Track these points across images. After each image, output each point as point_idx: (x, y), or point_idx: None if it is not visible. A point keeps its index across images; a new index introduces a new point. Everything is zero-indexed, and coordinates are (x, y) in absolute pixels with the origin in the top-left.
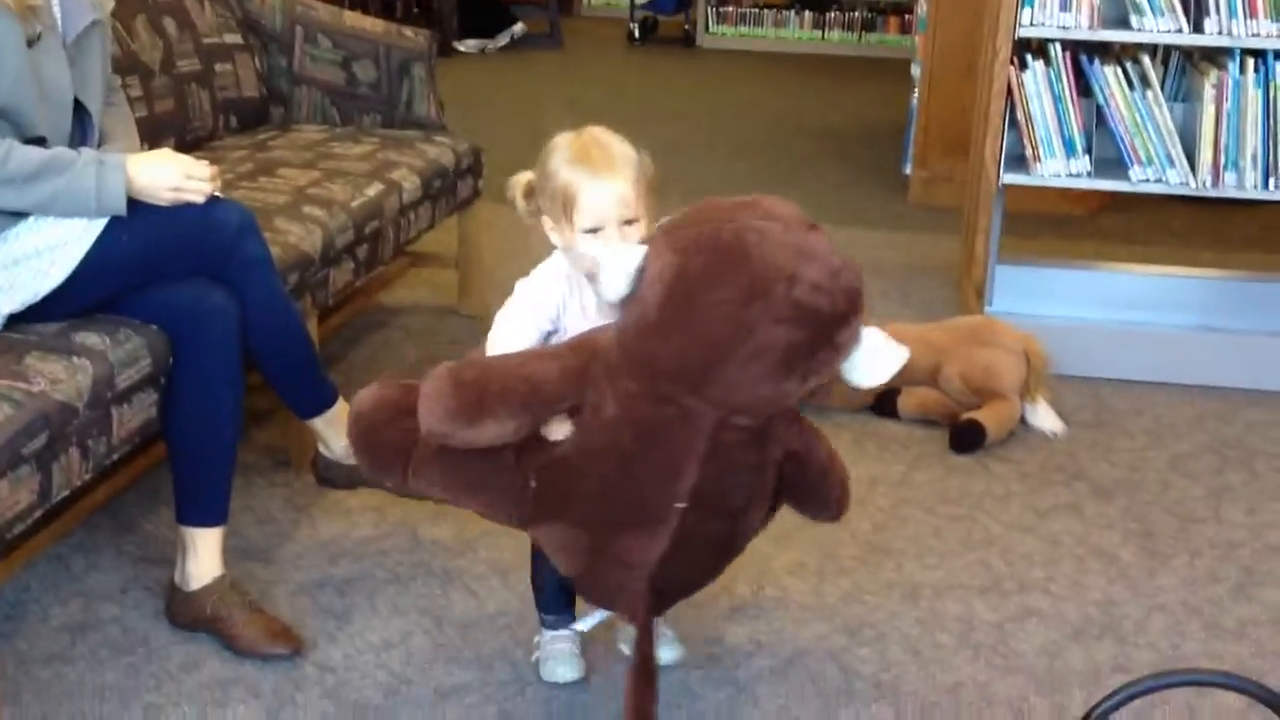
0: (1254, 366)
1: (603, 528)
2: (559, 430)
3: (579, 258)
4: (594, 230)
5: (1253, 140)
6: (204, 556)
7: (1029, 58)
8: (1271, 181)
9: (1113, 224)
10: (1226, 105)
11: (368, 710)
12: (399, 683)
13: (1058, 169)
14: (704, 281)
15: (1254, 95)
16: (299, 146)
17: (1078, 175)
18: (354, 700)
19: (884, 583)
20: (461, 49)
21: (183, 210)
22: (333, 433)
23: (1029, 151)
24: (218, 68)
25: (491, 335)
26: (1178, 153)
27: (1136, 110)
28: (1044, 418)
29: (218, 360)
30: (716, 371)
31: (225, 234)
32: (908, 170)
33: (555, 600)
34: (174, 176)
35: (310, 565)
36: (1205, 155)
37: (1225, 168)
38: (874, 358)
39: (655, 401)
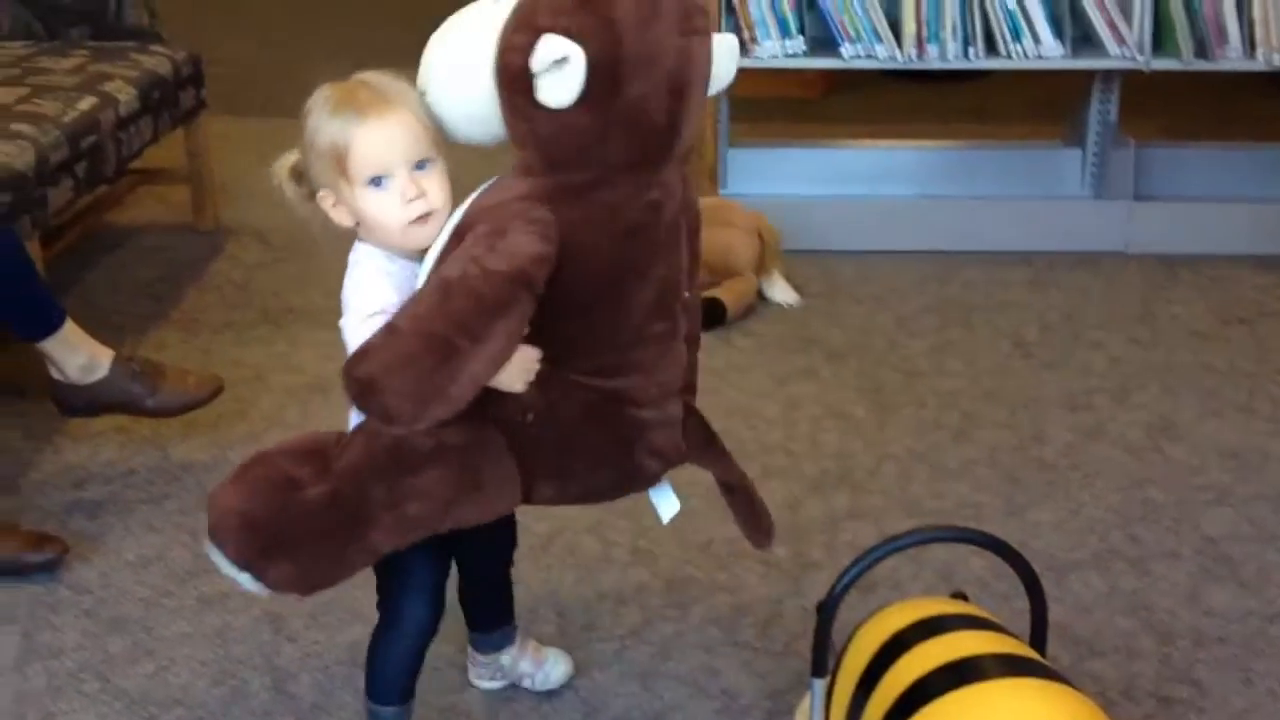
0: (968, 229)
1: (635, 381)
2: (519, 358)
3: (374, 224)
4: (378, 180)
5: (951, 11)
6: None
7: None
8: (970, 51)
9: (840, 106)
10: None
11: (128, 624)
12: (159, 596)
13: (774, 50)
14: (639, 22)
15: None
16: (3, 64)
17: (794, 55)
18: (113, 616)
19: None
20: None
21: None
22: (64, 354)
23: (746, 34)
24: None
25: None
26: (884, 28)
27: None
28: (779, 291)
29: None
30: (678, 121)
31: None
32: None
33: (402, 686)
34: None
35: (56, 491)
36: (909, 29)
37: (928, 40)
38: (719, 54)
39: (639, 195)
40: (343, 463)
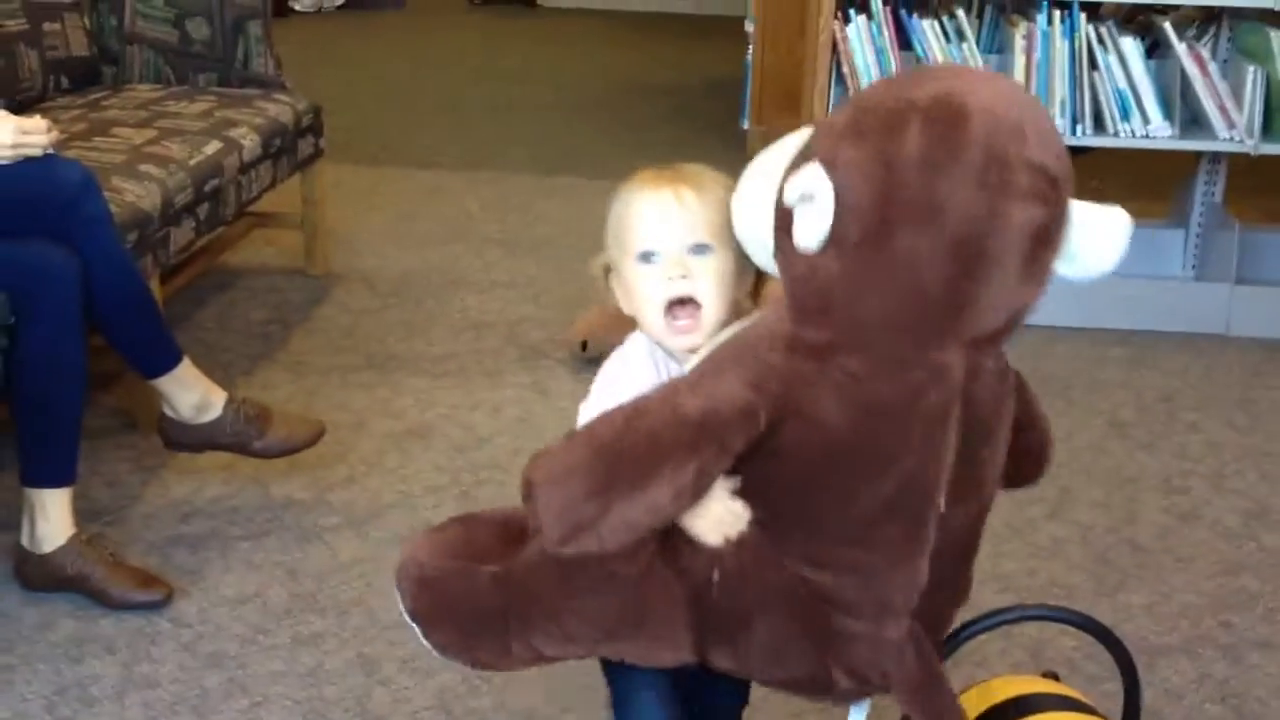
0: (1066, 305)
1: (848, 583)
2: (721, 509)
3: (638, 303)
4: (648, 255)
5: (1061, 89)
6: (55, 517)
7: (852, 12)
8: (1078, 128)
9: None
10: (1036, 56)
11: (224, 660)
12: (255, 633)
13: None
14: (925, 165)
15: (1061, 46)
16: (133, 106)
17: None
18: (210, 651)
19: None
20: (297, 8)
21: (22, 169)
22: (179, 393)
23: None
24: (46, 27)
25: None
26: None
27: (953, 62)
28: None
29: (61, 319)
30: (965, 293)
31: (66, 192)
32: (745, 125)
33: None
34: (8, 134)
35: (161, 525)
36: None
37: None
38: (1096, 233)
39: (893, 371)
40: (525, 553)
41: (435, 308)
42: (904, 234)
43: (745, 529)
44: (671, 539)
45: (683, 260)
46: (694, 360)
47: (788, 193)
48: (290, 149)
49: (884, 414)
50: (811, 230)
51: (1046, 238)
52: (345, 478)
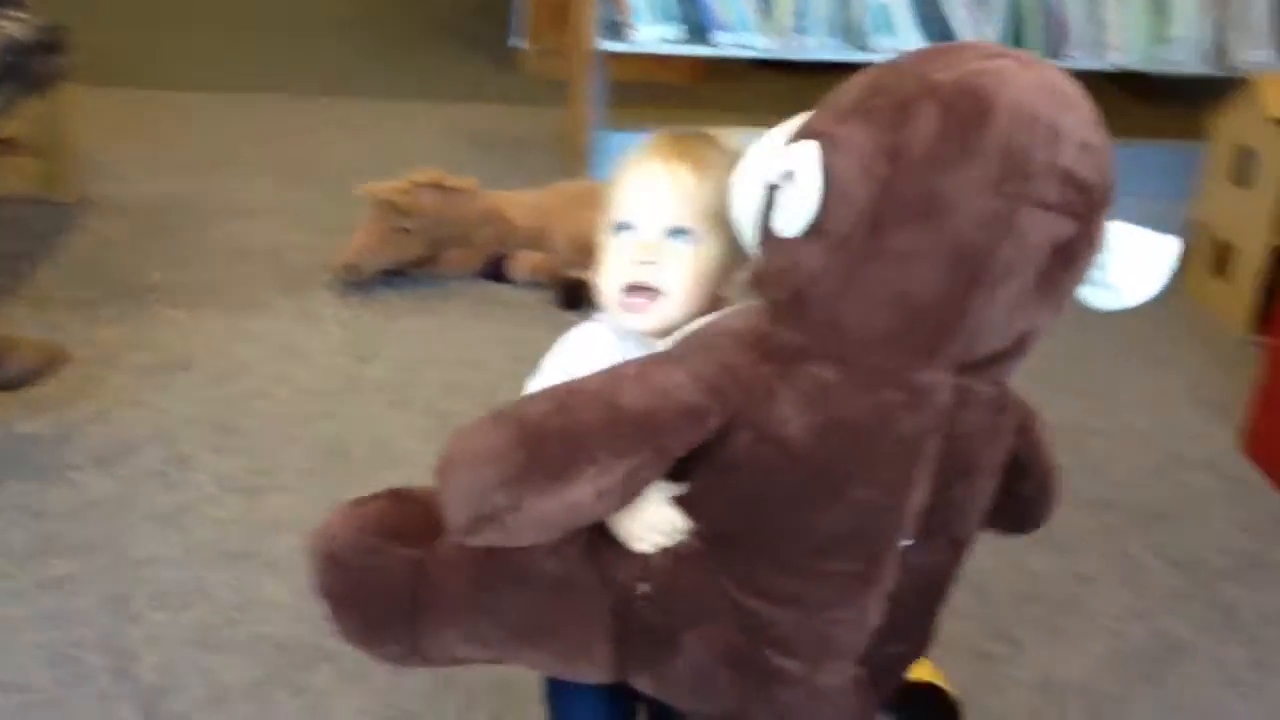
0: None
1: (786, 617)
2: (657, 515)
3: (600, 277)
4: (622, 228)
5: (824, 5)
6: None
7: None
8: (836, 43)
9: (712, 93)
10: None
11: None
12: None
13: (652, 35)
14: (933, 160)
15: None
16: None
17: (671, 41)
18: None
19: None
20: None
21: None
22: None
23: (624, 19)
24: None
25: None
26: (757, 18)
27: None
28: None
29: None
30: (963, 307)
31: None
32: (515, 43)
33: None
34: None
35: None
36: (783, 20)
37: (800, 32)
38: (1136, 259)
39: (867, 388)
40: (446, 540)
41: (195, 236)
42: (899, 234)
43: (682, 540)
44: (600, 540)
45: (656, 243)
46: (661, 346)
47: (771, 168)
48: (25, 69)
49: (848, 433)
50: (792, 214)
51: (1070, 257)
52: (94, 413)
